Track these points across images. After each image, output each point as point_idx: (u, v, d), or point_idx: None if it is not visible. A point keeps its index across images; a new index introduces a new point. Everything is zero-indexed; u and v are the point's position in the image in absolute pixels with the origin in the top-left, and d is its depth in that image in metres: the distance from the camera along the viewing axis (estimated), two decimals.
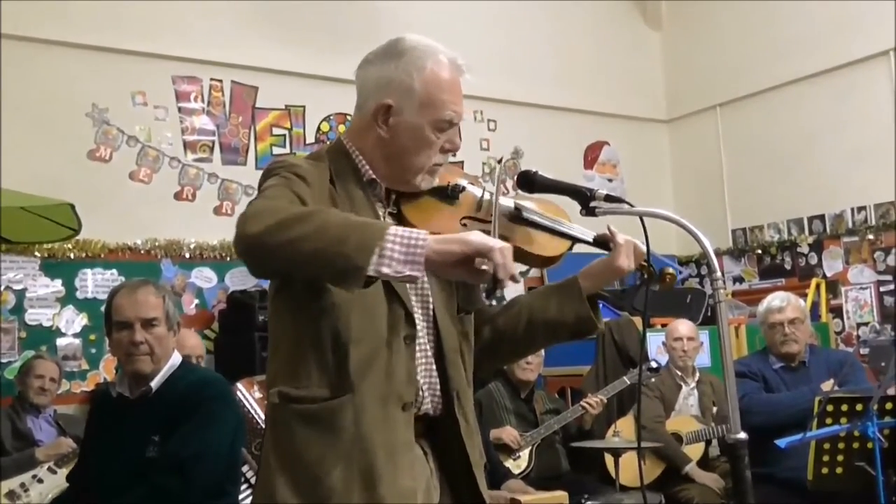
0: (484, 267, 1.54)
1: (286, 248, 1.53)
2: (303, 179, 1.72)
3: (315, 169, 1.78)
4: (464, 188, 1.91)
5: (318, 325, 1.71)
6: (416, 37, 1.85)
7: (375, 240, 1.51)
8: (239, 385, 3.75)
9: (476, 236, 1.56)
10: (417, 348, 1.78)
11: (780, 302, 4.29)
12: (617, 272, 1.94)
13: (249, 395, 3.69)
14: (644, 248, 1.94)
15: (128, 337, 2.73)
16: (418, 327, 1.79)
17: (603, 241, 1.96)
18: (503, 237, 1.83)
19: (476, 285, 1.91)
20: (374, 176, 1.84)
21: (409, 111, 1.79)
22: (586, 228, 1.97)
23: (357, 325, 1.70)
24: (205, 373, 3.00)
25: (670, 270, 2.00)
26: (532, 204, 1.96)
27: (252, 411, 3.62)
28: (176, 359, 2.84)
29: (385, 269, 1.50)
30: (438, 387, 1.82)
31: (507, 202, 1.92)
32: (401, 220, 1.85)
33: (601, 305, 2.06)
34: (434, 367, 1.82)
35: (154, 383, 2.76)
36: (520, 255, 1.89)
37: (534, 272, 7.10)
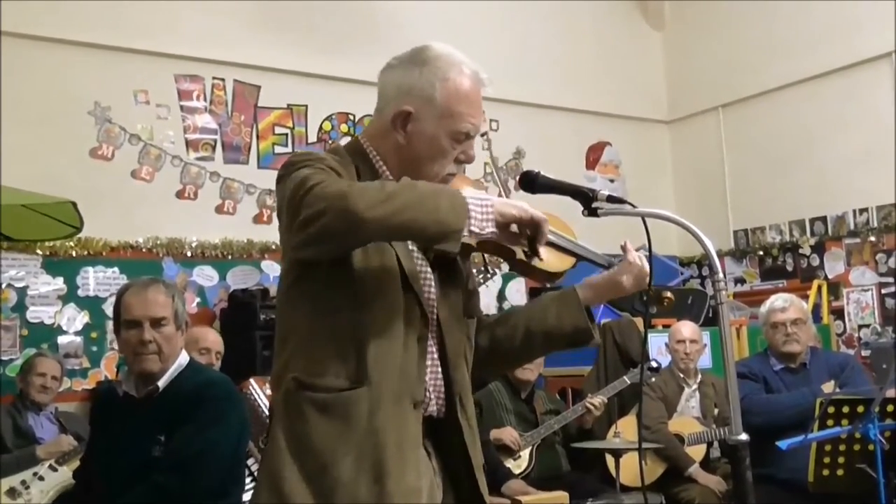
0: (516, 232, 1.74)
1: (392, 217, 1.61)
2: (336, 172, 1.74)
3: (341, 166, 1.79)
4: None
5: (340, 316, 1.73)
6: (441, 46, 1.87)
7: (465, 203, 1.66)
8: (252, 381, 3.78)
9: (526, 205, 1.73)
10: (427, 348, 1.81)
11: (783, 303, 4.31)
12: (618, 290, 1.98)
13: (261, 392, 3.72)
14: (641, 252, 1.96)
15: (136, 336, 2.72)
16: (429, 327, 1.81)
17: (608, 263, 1.99)
18: (509, 250, 1.88)
19: (475, 293, 1.98)
20: (390, 177, 1.85)
21: (427, 120, 1.81)
22: (590, 246, 1.99)
23: (378, 318, 1.73)
24: (211, 373, 2.97)
25: (668, 295, 2.04)
26: None
27: (262, 407, 3.65)
28: (183, 358, 2.83)
29: (474, 228, 1.67)
30: (443, 389, 1.84)
31: None
32: None
33: (603, 306, 2.08)
34: (440, 369, 1.84)
35: (161, 383, 2.75)
36: (523, 269, 1.91)
37: None
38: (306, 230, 1.62)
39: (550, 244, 1.92)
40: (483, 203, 1.67)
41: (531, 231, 1.74)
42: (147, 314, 2.72)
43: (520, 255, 1.89)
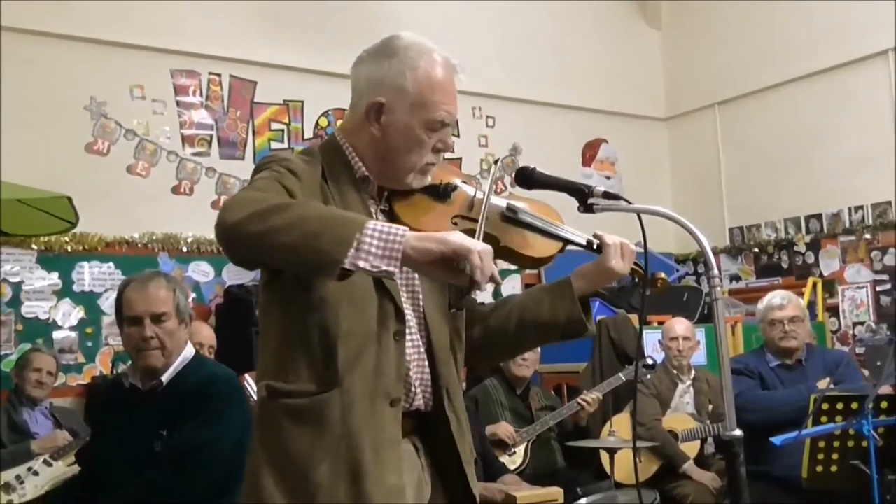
0: (462, 268, 1.55)
1: (263, 237, 1.53)
2: (293, 173, 1.73)
3: (306, 165, 1.78)
4: (456, 187, 1.91)
5: (306, 320, 1.71)
6: (410, 35, 1.85)
7: (353, 233, 1.51)
8: (247, 376, 3.77)
9: (456, 237, 1.56)
10: (409, 344, 1.79)
11: (781, 300, 4.31)
12: (609, 274, 1.92)
13: (256, 387, 3.70)
14: (637, 249, 1.94)
15: (138, 332, 2.70)
16: (409, 323, 1.79)
17: (598, 247, 1.95)
18: (493, 237, 1.85)
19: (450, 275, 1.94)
20: (366, 173, 1.84)
21: (401, 111, 1.79)
22: (580, 231, 1.96)
23: (346, 320, 1.71)
24: (215, 368, 2.93)
25: (662, 275, 2.00)
26: (525, 204, 1.96)
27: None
28: (189, 352, 2.81)
29: (361, 263, 1.51)
30: (430, 383, 1.83)
31: (500, 202, 1.92)
32: (392, 217, 1.85)
33: (598, 303, 2.07)
34: (426, 362, 1.82)
35: (165, 377, 2.74)
36: (510, 255, 1.90)
37: (529, 270, 7.11)
38: None
39: (537, 229, 1.92)
40: (389, 237, 1.52)
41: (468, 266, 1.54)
42: (148, 310, 2.71)
43: (507, 243, 1.86)
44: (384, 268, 1.52)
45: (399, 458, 1.73)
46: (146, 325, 2.70)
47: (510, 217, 1.91)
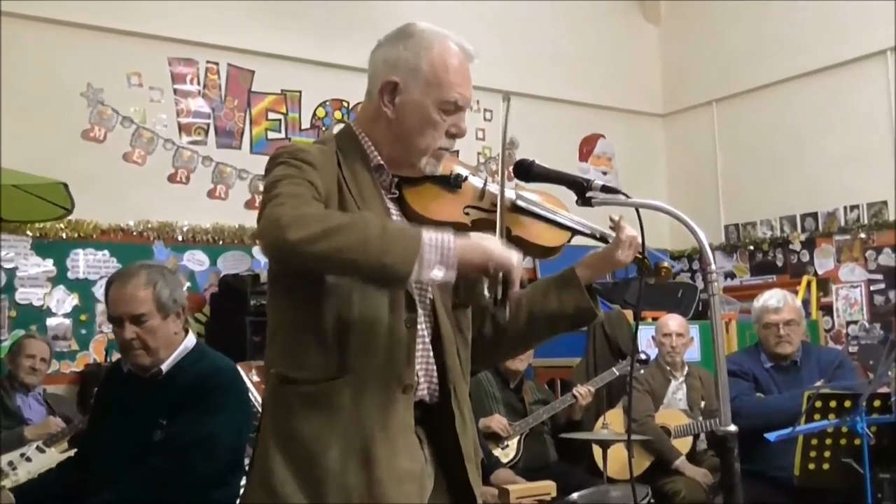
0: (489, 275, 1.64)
1: (329, 256, 1.57)
2: (311, 165, 1.73)
3: (322, 154, 1.79)
4: (466, 177, 1.92)
5: (319, 307, 1.72)
6: (426, 23, 1.88)
7: (415, 249, 1.56)
8: (238, 367, 3.75)
9: (496, 248, 1.63)
10: (416, 333, 1.79)
11: (777, 302, 4.23)
12: (615, 264, 1.94)
13: (247, 379, 3.69)
14: (641, 242, 1.94)
15: (120, 333, 2.68)
16: (417, 312, 1.79)
17: (601, 236, 1.96)
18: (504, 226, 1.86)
19: (480, 283, 1.94)
20: (381, 161, 1.85)
21: (414, 90, 1.81)
22: (587, 220, 1.97)
23: (358, 306, 1.72)
24: (216, 360, 2.84)
25: (665, 264, 2.01)
26: (533, 195, 1.97)
27: (250, 395, 3.63)
28: (189, 341, 2.78)
29: (425, 276, 1.58)
30: (435, 374, 1.82)
31: (509, 192, 1.93)
32: (403, 205, 1.86)
33: None
34: (431, 353, 1.82)
35: (164, 366, 2.71)
36: (520, 245, 1.90)
37: (526, 262, 7.11)
38: (258, 243, 1.66)
39: (545, 219, 1.92)
40: (443, 246, 1.58)
41: (502, 277, 1.64)
42: (126, 311, 2.65)
43: (516, 231, 1.88)
44: (444, 277, 1.58)
45: (411, 443, 1.75)
46: (126, 327, 2.65)
47: (519, 206, 1.92)
